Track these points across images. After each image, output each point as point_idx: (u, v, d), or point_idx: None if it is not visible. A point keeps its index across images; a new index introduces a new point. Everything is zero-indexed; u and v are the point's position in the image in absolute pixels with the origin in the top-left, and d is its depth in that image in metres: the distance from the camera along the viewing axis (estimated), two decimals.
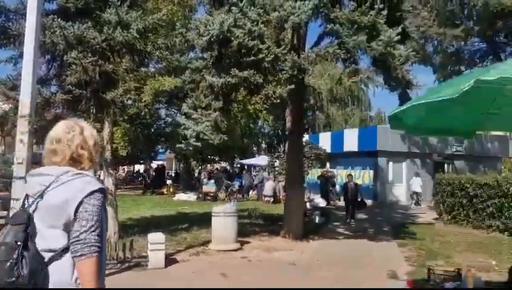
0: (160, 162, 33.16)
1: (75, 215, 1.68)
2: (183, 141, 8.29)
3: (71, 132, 1.83)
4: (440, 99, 3.04)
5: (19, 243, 1.59)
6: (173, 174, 33.01)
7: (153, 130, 22.41)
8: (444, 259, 7.89)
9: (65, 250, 1.69)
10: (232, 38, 7.36)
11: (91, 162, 1.85)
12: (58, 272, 1.67)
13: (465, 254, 8.48)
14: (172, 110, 19.07)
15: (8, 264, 1.55)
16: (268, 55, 7.40)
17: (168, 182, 25.53)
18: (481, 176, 12.67)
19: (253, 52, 7.42)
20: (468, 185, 12.07)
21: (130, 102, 10.61)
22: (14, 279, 1.55)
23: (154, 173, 28.51)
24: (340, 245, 9.57)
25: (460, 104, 3.83)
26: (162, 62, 9.51)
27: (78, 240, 1.66)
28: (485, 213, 11.51)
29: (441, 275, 6.00)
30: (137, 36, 7.69)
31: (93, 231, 1.68)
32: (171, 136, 20.01)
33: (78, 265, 1.66)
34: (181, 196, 20.36)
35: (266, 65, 7.63)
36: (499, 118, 4.00)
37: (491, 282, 5.93)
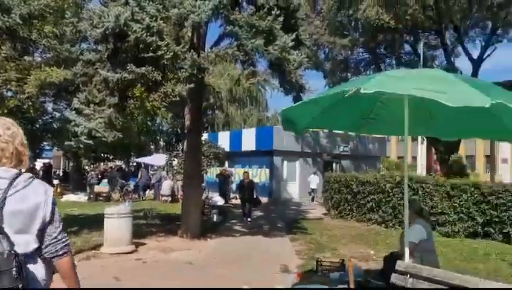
0: (46, 160, 30.41)
1: (50, 218, 1.79)
2: (73, 139, 7.74)
3: (11, 127, 1.80)
4: (321, 96, 3.29)
5: (12, 251, 1.63)
6: (61, 174, 30.55)
7: (38, 125, 20.45)
8: (330, 251, 8.55)
9: (35, 251, 1.78)
10: (129, 33, 7.07)
11: (28, 161, 1.86)
12: (33, 271, 1.77)
13: (349, 246, 9.29)
14: (61, 104, 17.65)
15: (14, 272, 1.61)
16: (168, 53, 7.26)
17: (55, 182, 23.57)
18: (363, 174, 13.99)
19: (151, 48, 7.21)
20: (353, 183, 13.24)
21: (10, 93, 9.57)
22: (21, 285, 1.62)
23: (40, 172, 26.02)
24: (237, 243, 9.78)
25: (346, 109, 4.22)
26: (49, 52, 8.75)
27: (57, 240, 1.82)
28: (366, 208, 12.73)
29: (328, 266, 6.53)
30: (21, 22, 6.96)
31: (63, 230, 1.86)
32: (59, 132, 18.50)
33: (61, 262, 1.85)
34: (70, 197, 18.96)
35: (165, 62, 7.48)
36: (376, 122, 4.48)
37: (369, 270, 6.60)
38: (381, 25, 15.55)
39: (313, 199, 20.35)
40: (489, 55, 18.12)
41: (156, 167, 26.08)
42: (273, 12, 8.10)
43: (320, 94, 5.08)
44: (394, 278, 3.43)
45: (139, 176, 21.40)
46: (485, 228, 9.97)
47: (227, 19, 8.10)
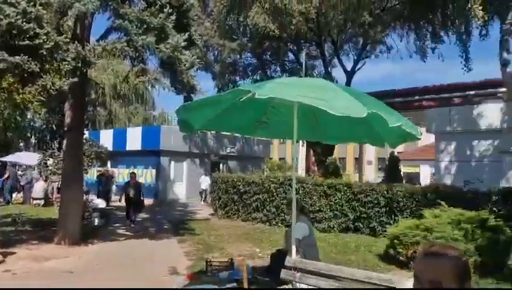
0: None
1: None
2: None
3: None
4: (215, 98, 3.36)
5: None
6: None
7: None
8: (218, 251, 8.68)
9: None
10: (1, 17, 6.27)
11: None
12: None
13: (236, 245, 9.53)
14: None
15: None
16: (48, 42, 6.61)
17: None
18: (250, 174, 14.48)
19: (28, 36, 6.50)
20: (239, 183, 13.61)
21: None
22: None
23: None
24: (121, 247, 9.34)
25: (240, 112, 4.35)
26: None
27: None
28: (251, 207, 13.19)
29: (217, 266, 6.64)
30: None
31: None
32: None
33: None
34: None
35: (44, 52, 6.79)
36: (268, 126, 4.70)
37: (256, 267, 6.87)
38: (268, 33, 16.27)
39: (202, 199, 20.49)
40: (359, 68, 20.27)
41: (25, 167, 23.43)
42: (165, 10, 7.96)
43: (214, 96, 5.17)
44: (283, 274, 3.65)
45: (6, 176, 18.99)
46: (355, 223, 11.11)
47: (116, 12, 7.70)
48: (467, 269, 1.42)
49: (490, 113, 13.76)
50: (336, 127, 4.49)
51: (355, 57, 20.10)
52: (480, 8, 10.03)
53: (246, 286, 4.05)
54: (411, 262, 7.02)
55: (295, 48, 20.19)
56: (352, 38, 20.34)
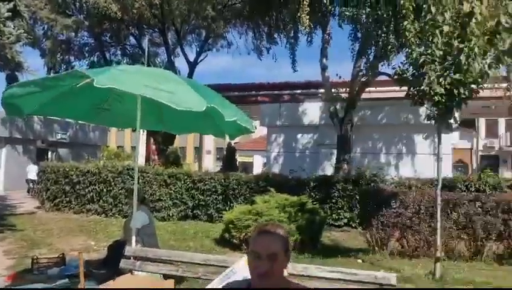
0: None
1: None
2: None
3: None
4: (49, 80, 3.17)
5: None
6: None
7: None
8: (46, 247, 7.96)
9: None
10: None
11: None
12: None
13: (67, 239, 8.87)
14: None
15: None
16: None
17: None
18: (85, 164, 13.51)
19: None
20: (72, 173, 12.60)
21: None
22: None
23: None
24: None
25: (79, 97, 4.11)
26: None
27: None
28: (86, 198, 12.37)
29: (45, 263, 6.14)
30: None
31: None
32: None
33: None
34: None
35: None
36: (111, 114, 4.55)
37: (91, 261, 6.55)
38: (109, 14, 15.33)
39: (29, 191, 18.18)
40: (202, 60, 20.71)
41: None
42: None
43: (49, 77, 4.74)
44: (123, 263, 3.63)
45: None
46: (194, 211, 11.51)
47: None
48: (289, 242, 1.77)
49: (311, 111, 15.85)
50: (180, 118, 4.60)
51: (198, 49, 20.46)
52: (308, 17, 11.36)
53: (82, 280, 3.87)
54: (243, 244, 7.68)
55: (137, 32, 19.48)
56: (195, 30, 20.61)
